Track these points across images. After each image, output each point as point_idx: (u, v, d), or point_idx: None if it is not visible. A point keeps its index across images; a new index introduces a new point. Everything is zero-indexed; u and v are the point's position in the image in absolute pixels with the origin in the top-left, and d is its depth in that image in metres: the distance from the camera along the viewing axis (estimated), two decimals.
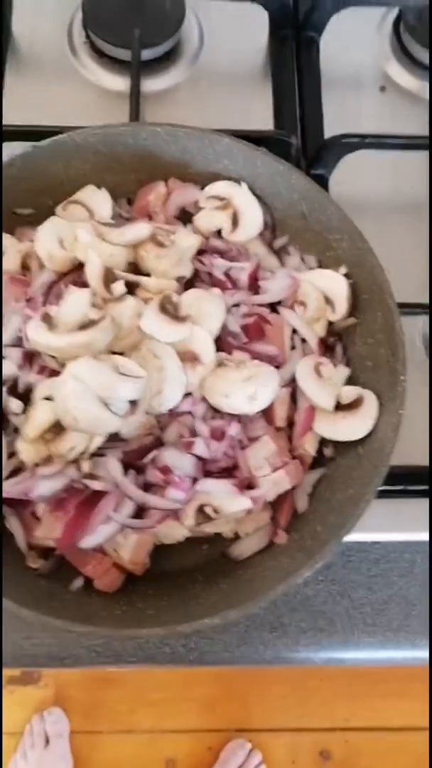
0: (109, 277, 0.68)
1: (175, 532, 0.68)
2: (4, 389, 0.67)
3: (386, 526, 0.76)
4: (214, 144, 0.77)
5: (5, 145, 0.86)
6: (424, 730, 2.08)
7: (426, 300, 0.83)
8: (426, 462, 0.76)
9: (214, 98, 0.98)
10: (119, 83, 0.98)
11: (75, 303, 0.67)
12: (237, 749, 2.00)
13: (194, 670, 2.06)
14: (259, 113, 0.97)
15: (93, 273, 0.68)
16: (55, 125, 0.86)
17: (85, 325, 0.65)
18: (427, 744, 2.04)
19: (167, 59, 0.98)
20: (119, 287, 0.68)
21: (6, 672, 2.10)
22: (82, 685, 2.13)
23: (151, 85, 0.97)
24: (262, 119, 0.97)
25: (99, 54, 0.98)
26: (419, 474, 0.75)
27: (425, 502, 0.75)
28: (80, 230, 0.70)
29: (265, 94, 0.99)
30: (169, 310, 0.67)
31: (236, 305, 0.73)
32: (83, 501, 0.65)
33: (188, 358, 0.67)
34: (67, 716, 2.06)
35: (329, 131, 0.95)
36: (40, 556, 0.69)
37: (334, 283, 0.74)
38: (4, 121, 0.92)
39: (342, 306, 0.74)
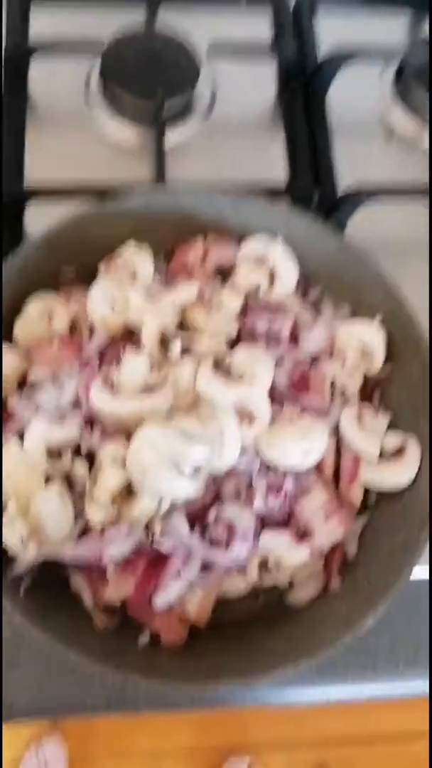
0: (165, 340, 0.71)
1: (238, 584, 0.71)
2: (69, 452, 0.69)
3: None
4: (249, 205, 0.81)
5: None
6: (417, 736, 2.14)
7: None
8: None
9: (228, 151, 1.02)
10: (135, 138, 1.01)
11: (134, 367, 0.70)
12: (236, 766, 2.03)
13: None
14: (273, 164, 1.02)
15: (150, 336, 0.71)
16: (82, 185, 0.89)
17: (147, 389, 0.68)
18: (421, 749, 2.11)
19: (182, 114, 1.02)
20: (176, 350, 0.71)
21: None
22: None
23: (168, 139, 1.00)
24: (276, 170, 1.01)
25: (116, 110, 1.01)
26: None
27: None
28: (132, 293, 0.73)
29: (277, 146, 1.03)
30: (223, 369, 0.71)
31: (280, 360, 0.77)
32: (151, 560, 0.68)
33: (244, 416, 0.70)
34: (63, 743, 2.06)
35: (341, 180, 1.00)
36: (106, 615, 0.71)
37: (371, 334, 0.78)
38: (30, 181, 0.94)
39: (379, 356, 0.78)
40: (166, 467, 0.63)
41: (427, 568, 0.80)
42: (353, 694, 0.80)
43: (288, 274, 0.81)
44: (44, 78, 1.03)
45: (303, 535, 0.71)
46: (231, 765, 2.04)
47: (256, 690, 0.79)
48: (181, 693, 0.75)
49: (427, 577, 0.81)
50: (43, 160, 0.97)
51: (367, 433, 0.75)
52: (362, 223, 0.96)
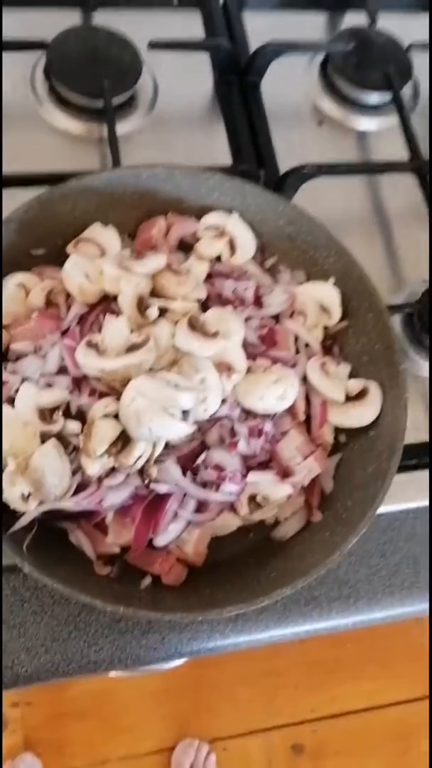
0: (141, 304, 0.76)
1: (230, 522, 0.76)
2: (60, 413, 0.73)
3: (389, 498, 0.87)
4: (207, 180, 0.87)
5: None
6: (382, 708, 2.22)
7: (395, 302, 0.97)
8: (426, 438, 0.89)
9: (173, 140, 1.08)
10: (83, 129, 1.06)
11: (116, 330, 0.74)
12: (186, 749, 2.05)
13: (162, 687, 2.11)
14: (217, 150, 1.08)
15: (126, 301, 0.76)
16: (44, 172, 0.93)
17: (131, 348, 0.73)
18: (390, 717, 2.19)
19: (129, 106, 1.08)
20: (154, 312, 0.76)
21: None
22: (50, 725, 2.11)
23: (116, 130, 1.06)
24: (221, 155, 1.08)
25: (64, 103, 1.05)
26: (420, 449, 0.88)
27: (425, 473, 0.88)
28: (106, 264, 0.78)
29: (219, 133, 1.10)
30: (198, 328, 0.76)
31: (247, 319, 0.83)
32: (147, 505, 0.72)
33: (223, 368, 0.75)
34: (40, 759, 2.04)
35: (281, 162, 1.08)
36: (106, 563, 0.75)
37: (327, 293, 0.86)
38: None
39: (336, 312, 0.86)
40: (159, 412, 0.68)
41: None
42: (337, 624, 0.86)
43: (246, 243, 0.88)
44: None
45: (285, 473, 0.77)
46: (182, 749, 2.06)
47: (245, 631, 0.84)
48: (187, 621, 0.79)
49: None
50: None
51: (332, 380, 0.82)
52: (303, 202, 1.03)
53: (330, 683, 2.25)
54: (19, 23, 1.10)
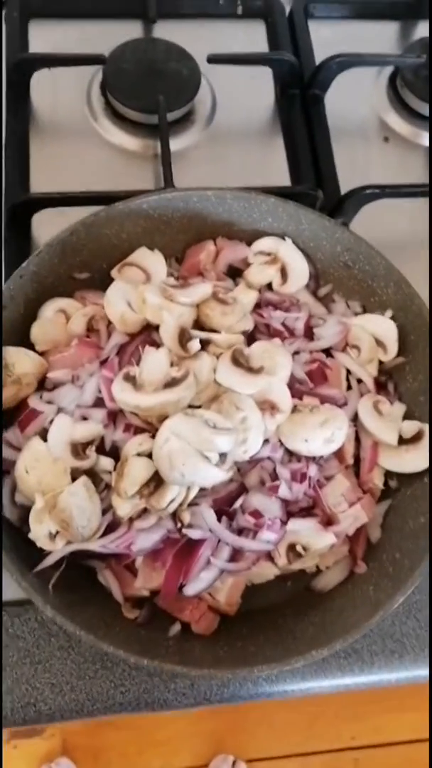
0: (183, 336, 0.73)
1: (267, 571, 0.72)
2: (93, 448, 0.70)
3: None
4: (260, 204, 0.82)
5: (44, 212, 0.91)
6: (426, 741, 2.14)
7: None
8: None
9: (231, 156, 1.04)
10: (138, 145, 1.03)
11: (155, 362, 0.71)
12: (221, 764, 2.01)
13: None
14: (274, 168, 1.04)
15: (168, 333, 0.73)
16: (89, 191, 0.91)
17: (170, 383, 0.69)
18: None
19: (186, 121, 1.04)
20: (195, 345, 0.72)
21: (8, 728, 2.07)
22: (88, 732, 2.11)
23: (171, 145, 1.02)
24: (279, 173, 1.03)
25: (120, 118, 1.03)
26: None
27: None
28: (148, 293, 0.74)
29: (279, 150, 1.05)
30: (242, 362, 0.72)
31: (296, 353, 0.78)
32: (179, 550, 0.69)
33: (266, 406, 0.71)
34: (75, 765, 2.04)
35: (342, 181, 1.02)
36: (135, 607, 0.72)
37: (383, 326, 0.80)
38: (35, 189, 0.96)
39: (392, 347, 0.80)
40: (193, 455, 0.64)
41: None
42: (380, 680, 0.81)
43: (299, 270, 0.83)
44: (46, 89, 1.04)
45: (328, 521, 0.72)
46: (217, 764, 2.02)
47: (279, 682, 0.79)
48: (213, 680, 0.76)
49: None
50: (47, 170, 0.99)
51: (385, 421, 0.77)
52: (364, 223, 0.98)
53: (373, 713, 2.17)
54: (78, 36, 1.08)
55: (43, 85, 1.05)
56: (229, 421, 0.68)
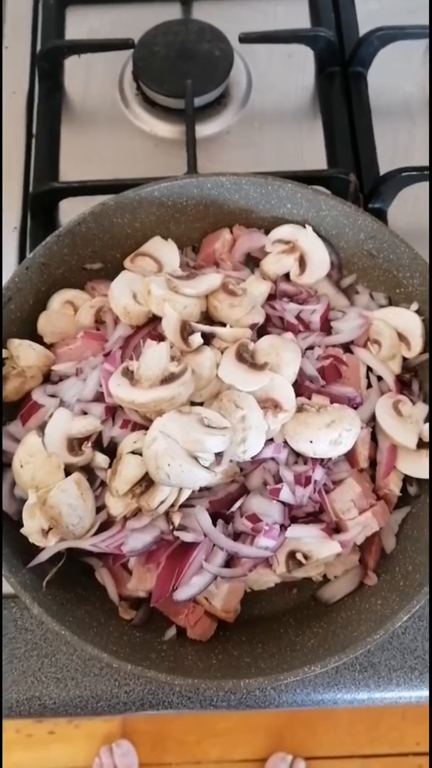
0: (185, 330, 0.70)
1: (266, 578, 0.68)
2: (90, 443, 0.69)
3: None
4: (277, 190, 0.78)
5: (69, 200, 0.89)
6: None
7: None
8: None
9: (265, 139, 1.00)
10: (170, 131, 1.00)
11: (154, 357, 0.68)
12: (278, 763, 1.98)
13: None
14: (311, 151, 0.99)
15: (170, 326, 0.70)
16: (116, 178, 0.89)
17: (167, 378, 0.66)
18: None
19: (218, 104, 1.01)
20: (197, 339, 0.69)
21: None
22: (148, 717, 2.12)
23: (203, 130, 0.99)
24: (315, 157, 0.98)
25: (151, 104, 1.00)
26: None
27: None
28: (153, 284, 0.72)
29: (316, 132, 1.00)
30: (247, 358, 0.68)
31: (310, 348, 0.74)
32: (173, 552, 0.66)
33: (269, 405, 0.67)
34: (135, 748, 2.06)
35: (383, 164, 0.96)
36: (131, 607, 0.70)
37: (408, 320, 0.74)
38: (65, 178, 0.95)
39: (417, 342, 0.74)
40: (179, 456, 0.61)
41: None
42: (398, 697, 0.76)
43: (319, 259, 0.78)
44: (80, 76, 1.03)
45: (336, 528, 0.68)
46: (273, 763, 1.99)
47: (290, 691, 0.76)
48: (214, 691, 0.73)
49: None
50: (77, 158, 0.98)
51: (404, 422, 0.71)
52: (402, 208, 0.92)
53: None
54: (114, 21, 1.06)
55: (76, 72, 1.04)
56: (228, 420, 0.65)
